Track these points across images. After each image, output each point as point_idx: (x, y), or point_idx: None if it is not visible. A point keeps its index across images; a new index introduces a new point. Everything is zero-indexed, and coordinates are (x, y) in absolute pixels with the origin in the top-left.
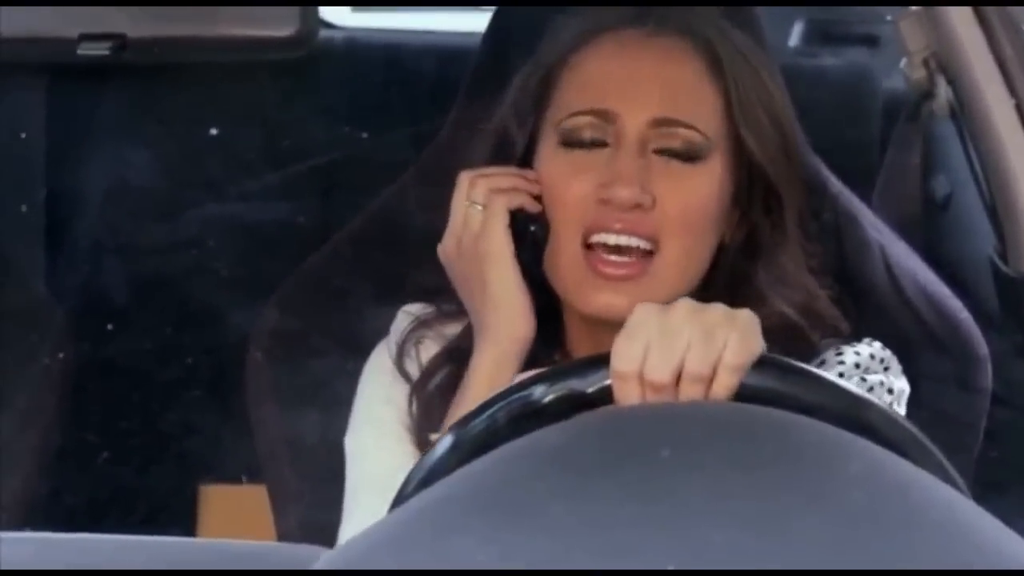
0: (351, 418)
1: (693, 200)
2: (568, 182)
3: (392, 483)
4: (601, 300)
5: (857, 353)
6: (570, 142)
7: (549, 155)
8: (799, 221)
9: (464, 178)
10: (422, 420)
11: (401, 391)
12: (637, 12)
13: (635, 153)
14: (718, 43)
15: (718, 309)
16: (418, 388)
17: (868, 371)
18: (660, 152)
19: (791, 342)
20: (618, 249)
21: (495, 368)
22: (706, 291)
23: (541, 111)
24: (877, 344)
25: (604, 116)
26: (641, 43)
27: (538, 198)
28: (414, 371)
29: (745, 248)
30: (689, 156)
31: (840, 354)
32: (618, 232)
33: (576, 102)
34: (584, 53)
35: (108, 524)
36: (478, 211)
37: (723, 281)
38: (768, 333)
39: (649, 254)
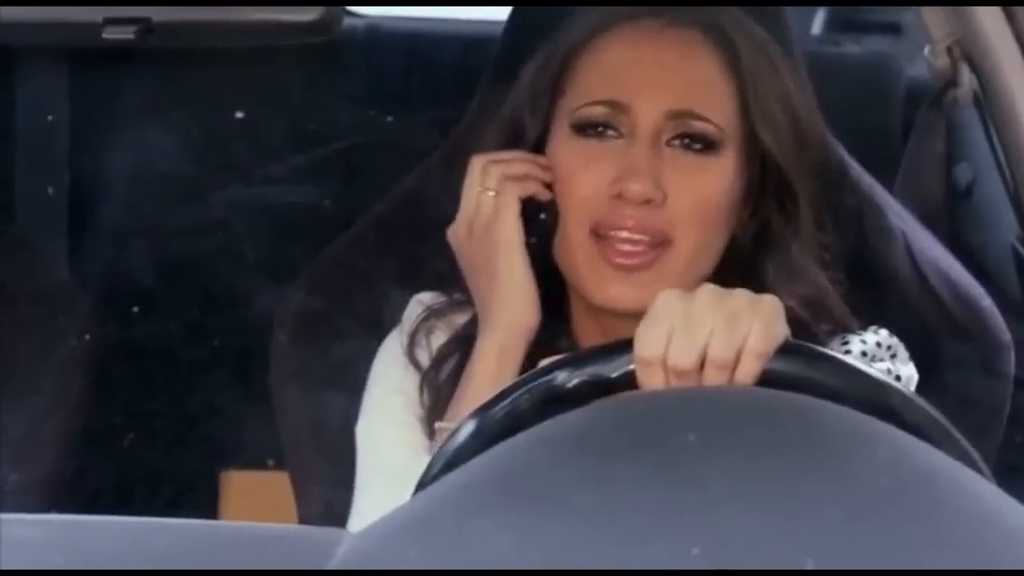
0: (363, 407)
1: (705, 195)
2: (580, 172)
3: (402, 473)
4: (612, 291)
5: (863, 342)
6: (583, 130)
7: (562, 143)
8: (813, 215)
9: (476, 163)
10: (432, 408)
11: (412, 380)
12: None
13: (649, 146)
14: (735, 36)
15: (742, 295)
16: (429, 377)
17: (875, 359)
18: (674, 145)
19: (797, 336)
20: (630, 240)
21: (499, 356)
22: (716, 283)
23: (556, 98)
24: (883, 331)
25: (618, 107)
26: (658, 34)
27: (549, 186)
28: (425, 360)
29: (756, 241)
30: (703, 149)
31: (846, 343)
32: (630, 229)
33: (591, 91)
34: (601, 42)
35: (132, 507)
36: (490, 197)
37: (733, 273)
38: None
39: (661, 246)
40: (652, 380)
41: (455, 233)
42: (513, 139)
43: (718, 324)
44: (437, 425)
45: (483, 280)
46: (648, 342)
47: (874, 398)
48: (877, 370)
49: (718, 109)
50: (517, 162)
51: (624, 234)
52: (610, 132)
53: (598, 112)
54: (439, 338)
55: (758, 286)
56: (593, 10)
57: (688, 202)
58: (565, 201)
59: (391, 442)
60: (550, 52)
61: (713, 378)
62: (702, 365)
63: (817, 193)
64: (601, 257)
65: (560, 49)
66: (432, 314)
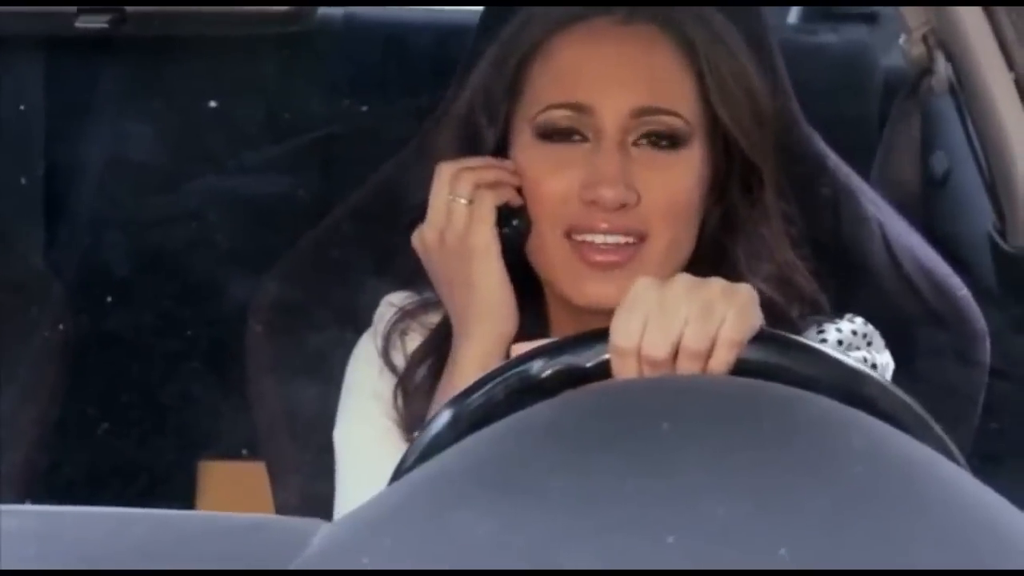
0: (340, 412)
1: (678, 190)
2: (549, 179)
3: (381, 479)
4: (590, 290)
5: (839, 330)
6: (548, 136)
7: (527, 149)
8: (777, 194)
9: (446, 170)
10: (408, 412)
11: (388, 384)
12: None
13: (616, 149)
14: (691, 26)
15: (716, 284)
16: (404, 381)
17: (851, 347)
18: (641, 144)
19: (769, 318)
20: (605, 241)
21: (480, 367)
22: (688, 270)
23: (512, 104)
24: (859, 319)
25: (580, 109)
26: (613, 32)
27: (519, 189)
28: (400, 363)
29: (724, 225)
30: (671, 144)
31: (822, 331)
32: (605, 232)
33: (550, 95)
34: (555, 43)
35: (108, 497)
36: (462, 206)
37: (704, 260)
38: None
39: (636, 244)
40: (626, 370)
41: (423, 240)
42: (472, 145)
43: (692, 313)
44: (415, 435)
45: (457, 289)
46: (622, 332)
47: (849, 386)
48: (853, 358)
49: (682, 101)
50: (489, 169)
51: (599, 237)
52: (575, 136)
53: (560, 116)
54: (413, 339)
55: (728, 270)
56: (544, 11)
57: (662, 200)
58: (536, 206)
59: (370, 447)
60: (501, 57)
61: (687, 367)
62: (676, 354)
63: (784, 173)
64: (577, 257)
65: (512, 55)
66: (405, 315)
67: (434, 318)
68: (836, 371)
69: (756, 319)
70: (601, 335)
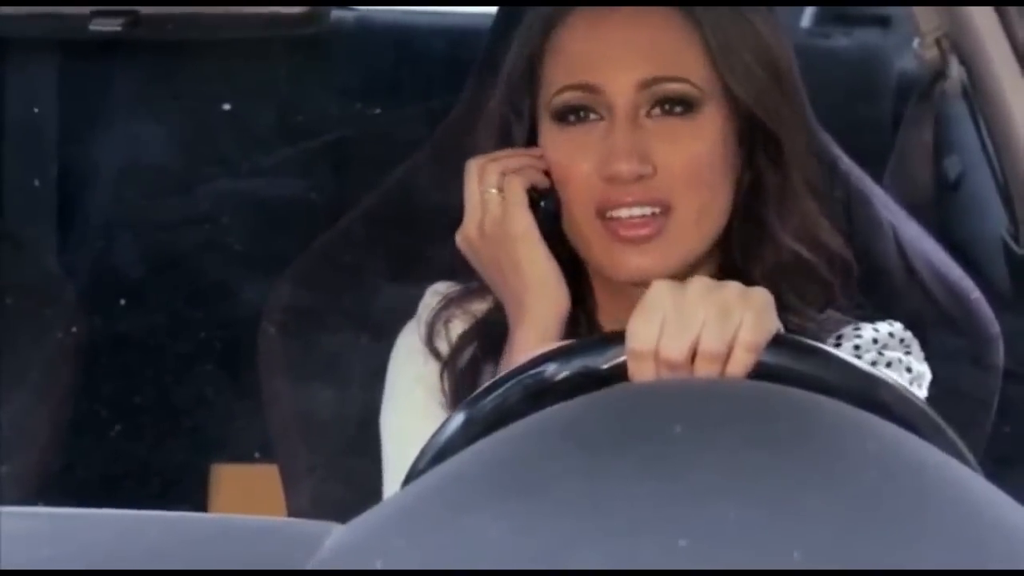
0: (384, 400)
1: (695, 157)
2: (570, 161)
3: None
4: (628, 264)
5: (876, 329)
6: (564, 118)
7: (548, 135)
8: (801, 162)
9: (473, 165)
10: (454, 398)
11: (433, 370)
12: None
13: (628, 123)
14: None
15: (734, 287)
16: (448, 366)
17: (887, 348)
18: (655, 114)
19: (807, 281)
20: (632, 215)
21: (540, 344)
22: (725, 238)
23: (534, 95)
24: (898, 325)
25: (589, 88)
26: (617, 12)
27: (546, 173)
28: (444, 350)
29: (753, 191)
30: (684, 111)
31: (858, 329)
32: (630, 205)
33: (561, 79)
34: (562, 31)
35: (120, 499)
36: (494, 195)
37: (738, 226)
38: (783, 271)
39: (664, 214)
40: (643, 372)
41: (466, 237)
42: (504, 140)
43: (710, 316)
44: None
45: (507, 276)
46: (639, 334)
47: (864, 391)
48: (886, 358)
49: (691, 68)
50: (511, 156)
51: (625, 211)
52: (592, 116)
53: (571, 97)
54: (457, 327)
55: (762, 235)
56: (547, 8)
57: (679, 167)
58: (564, 188)
59: (417, 434)
60: (517, 53)
61: (704, 370)
62: (693, 357)
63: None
64: (609, 234)
65: (525, 48)
66: (450, 303)
67: (479, 305)
68: (852, 375)
69: (773, 323)
70: (618, 337)
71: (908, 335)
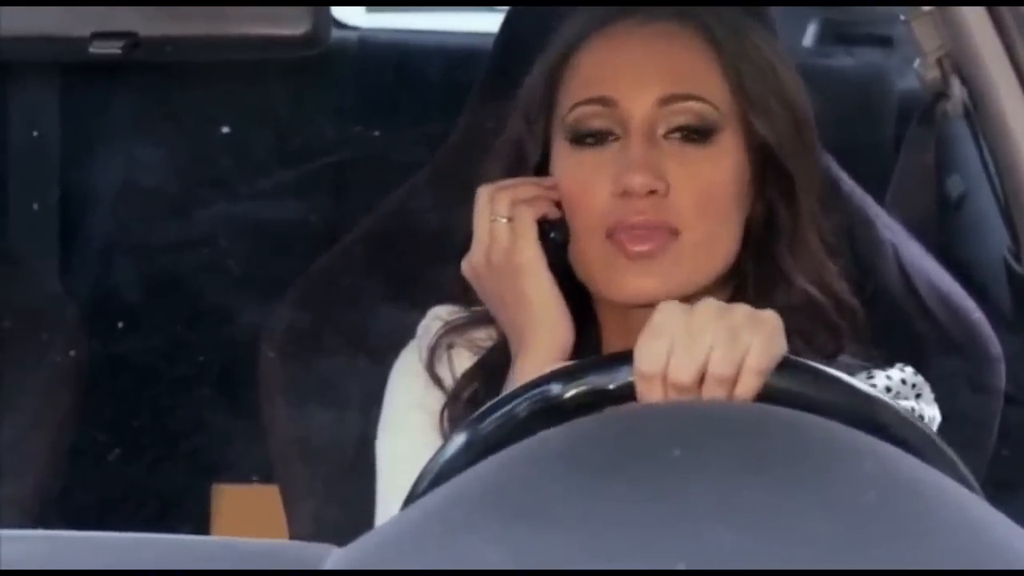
0: (381, 423)
1: (708, 184)
2: (585, 183)
3: None
4: (632, 285)
5: (888, 377)
6: (579, 137)
7: (562, 157)
8: (811, 205)
9: (484, 193)
10: (453, 428)
11: (431, 396)
12: (628, 8)
13: (644, 140)
14: (714, 24)
15: (742, 310)
16: (450, 404)
17: (899, 396)
18: (671, 135)
19: (815, 324)
20: (642, 229)
21: None
22: (739, 277)
23: (549, 114)
24: (909, 369)
25: (606, 103)
26: (635, 32)
27: (556, 203)
28: (445, 375)
29: (766, 227)
30: (702, 138)
31: (871, 378)
32: (642, 225)
33: (577, 94)
34: (579, 54)
35: (120, 522)
36: (504, 224)
37: (753, 266)
38: (795, 312)
39: (670, 237)
40: (651, 394)
41: (472, 265)
42: (517, 165)
43: (718, 339)
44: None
45: (511, 308)
46: (648, 356)
47: (872, 415)
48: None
49: (710, 89)
50: (524, 185)
51: (637, 228)
52: (609, 137)
53: (588, 112)
54: (459, 354)
55: (774, 272)
56: (566, 25)
57: (692, 193)
58: (576, 214)
59: (413, 461)
60: (534, 76)
61: (713, 393)
62: (702, 380)
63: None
64: (617, 251)
65: (541, 71)
66: (452, 329)
67: (480, 334)
68: (860, 399)
69: (781, 347)
70: (626, 358)
71: (919, 379)
